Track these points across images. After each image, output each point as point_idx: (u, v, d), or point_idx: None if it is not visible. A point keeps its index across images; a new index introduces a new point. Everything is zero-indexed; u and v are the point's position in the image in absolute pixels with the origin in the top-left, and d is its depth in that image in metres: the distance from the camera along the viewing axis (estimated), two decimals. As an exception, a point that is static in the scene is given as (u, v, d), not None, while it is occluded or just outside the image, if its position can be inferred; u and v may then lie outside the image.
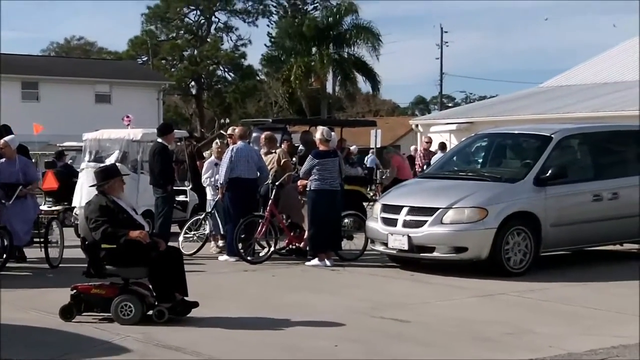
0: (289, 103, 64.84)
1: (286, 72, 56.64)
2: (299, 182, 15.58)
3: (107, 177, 10.47)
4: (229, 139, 17.26)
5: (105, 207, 10.17)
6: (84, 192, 19.95)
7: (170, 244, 11.46)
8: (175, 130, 18.08)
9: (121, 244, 9.98)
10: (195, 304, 10.25)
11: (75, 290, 10.16)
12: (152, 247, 10.13)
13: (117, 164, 19.62)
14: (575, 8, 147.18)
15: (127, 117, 21.44)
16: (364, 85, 57.09)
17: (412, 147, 29.67)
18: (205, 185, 17.57)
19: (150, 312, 10.03)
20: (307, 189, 15.14)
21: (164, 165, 16.31)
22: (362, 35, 54.13)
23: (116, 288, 10.14)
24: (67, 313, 10.09)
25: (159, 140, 16.75)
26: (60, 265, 14.70)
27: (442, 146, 28.79)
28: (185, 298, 10.24)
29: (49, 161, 26.14)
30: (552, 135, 15.06)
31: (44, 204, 20.17)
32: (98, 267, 10.14)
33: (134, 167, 20.07)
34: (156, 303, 10.04)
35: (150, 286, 10.19)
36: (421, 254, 14.15)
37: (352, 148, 28.80)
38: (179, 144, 20.23)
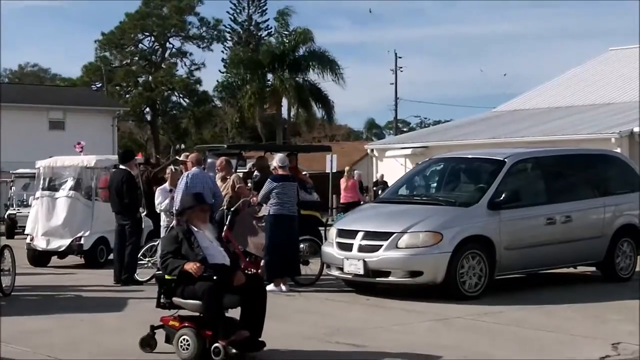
0: (244, 129, 64.78)
1: (241, 99, 56.55)
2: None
3: (187, 206, 10.14)
4: (182, 166, 17.20)
5: (175, 237, 9.82)
6: (38, 219, 19.86)
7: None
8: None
9: (176, 275, 9.52)
10: (262, 344, 9.57)
11: (161, 322, 9.81)
12: (210, 279, 9.42)
13: (72, 191, 19.73)
14: (529, 35, 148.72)
15: (79, 143, 21.27)
16: (318, 111, 56.99)
17: (356, 172, 29.63)
18: (158, 211, 17.41)
19: None
20: (266, 214, 15.15)
21: (132, 192, 16.27)
22: (318, 62, 54.09)
23: (188, 321, 9.61)
24: (145, 344, 9.84)
25: (123, 167, 16.70)
26: (12, 293, 14.57)
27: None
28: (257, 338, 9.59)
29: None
30: (506, 160, 15.17)
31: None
32: (165, 299, 9.77)
33: (87, 193, 19.99)
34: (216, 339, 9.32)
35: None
36: (377, 279, 14.16)
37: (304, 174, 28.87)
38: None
